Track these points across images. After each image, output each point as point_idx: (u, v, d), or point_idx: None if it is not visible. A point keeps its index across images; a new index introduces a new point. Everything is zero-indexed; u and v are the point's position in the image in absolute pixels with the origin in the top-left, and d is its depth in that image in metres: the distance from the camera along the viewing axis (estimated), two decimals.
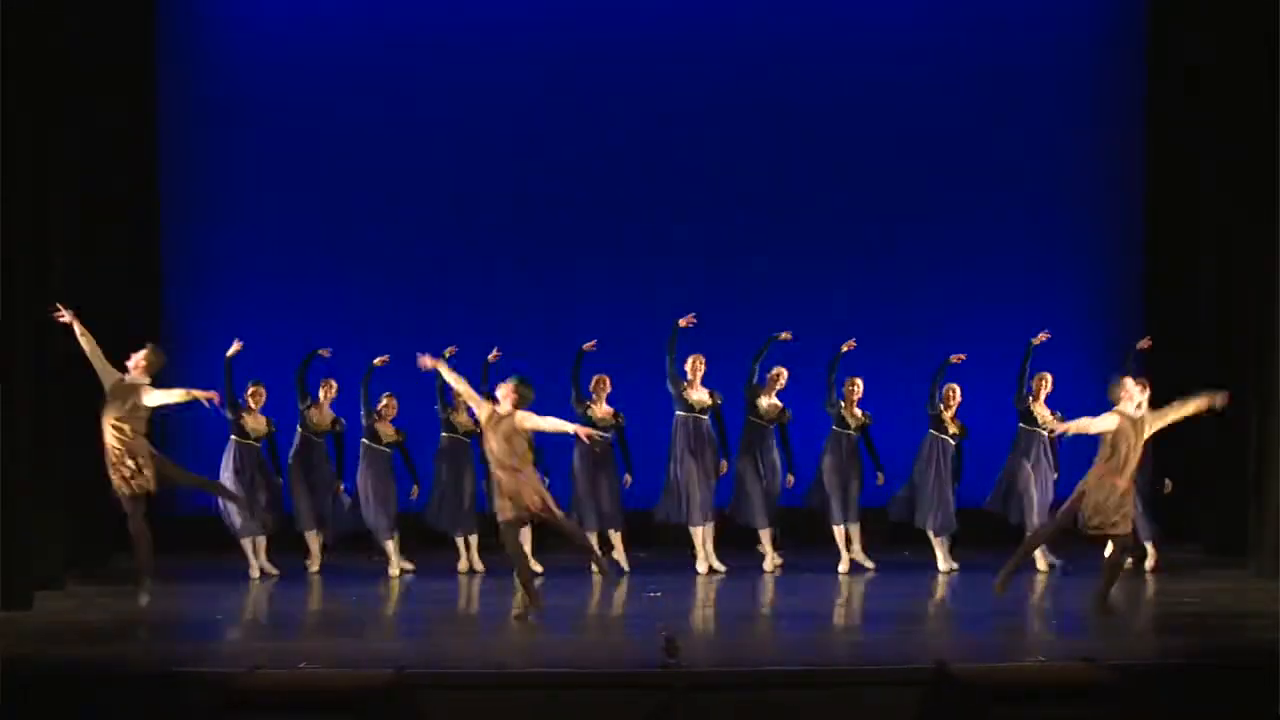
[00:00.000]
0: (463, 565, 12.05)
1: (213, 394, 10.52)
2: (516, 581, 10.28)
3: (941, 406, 11.95)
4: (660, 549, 12.51)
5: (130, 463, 10.28)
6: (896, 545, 12.28)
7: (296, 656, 8.64)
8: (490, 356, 12.03)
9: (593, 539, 11.99)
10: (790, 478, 12.08)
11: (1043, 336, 11.85)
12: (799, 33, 13.73)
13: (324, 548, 12.25)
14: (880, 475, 12.08)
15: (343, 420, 12.21)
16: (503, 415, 10.05)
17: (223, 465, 11.92)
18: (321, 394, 12.14)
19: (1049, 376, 11.95)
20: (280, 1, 13.80)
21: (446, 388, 11.73)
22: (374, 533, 12.09)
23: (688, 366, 11.94)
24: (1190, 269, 13.26)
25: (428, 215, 13.72)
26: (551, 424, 10.34)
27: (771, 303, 13.45)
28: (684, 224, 13.72)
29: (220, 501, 11.84)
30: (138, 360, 10.47)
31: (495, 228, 13.74)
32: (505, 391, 10.08)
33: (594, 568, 10.91)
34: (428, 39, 13.68)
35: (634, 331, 13.17)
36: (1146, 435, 10.15)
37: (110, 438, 10.33)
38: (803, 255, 13.71)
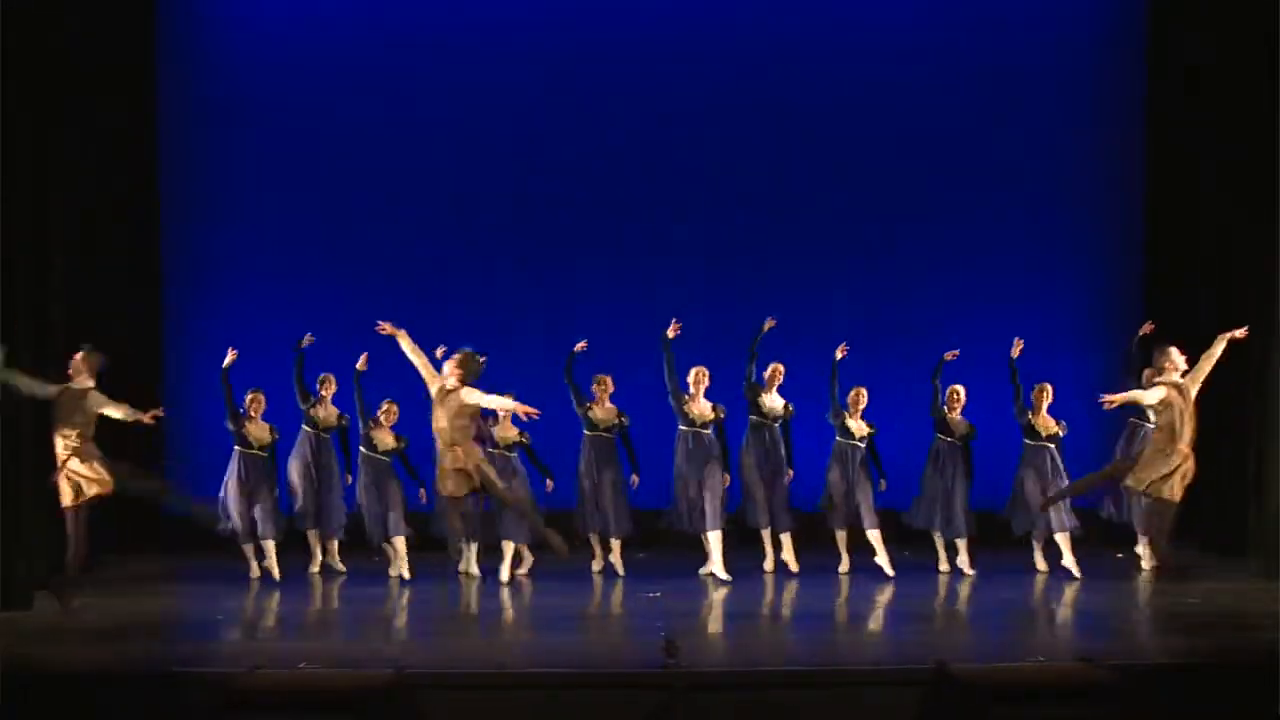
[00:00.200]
0: (461, 568, 11.98)
1: (156, 412, 10.49)
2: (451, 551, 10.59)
3: (945, 409, 11.90)
4: (660, 550, 12.51)
5: (82, 469, 10.25)
6: (897, 546, 12.24)
7: (296, 656, 8.64)
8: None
9: (594, 540, 12.01)
10: (789, 472, 11.96)
11: (1018, 346, 11.74)
12: (799, 33, 13.73)
13: (324, 550, 12.20)
14: (882, 482, 11.99)
15: (347, 415, 12.18)
16: (449, 390, 10.14)
17: (227, 474, 11.87)
18: (322, 391, 12.11)
19: (1049, 387, 11.84)
20: (280, 1, 13.80)
21: None
22: (369, 538, 12.04)
23: (690, 379, 11.77)
24: (1190, 269, 13.25)
25: (428, 215, 13.72)
26: (495, 401, 10.38)
27: (771, 303, 13.39)
28: (684, 224, 13.72)
29: (220, 502, 11.82)
30: (76, 364, 10.44)
31: (495, 228, 13.74)
32: (451, 366, 10.14)
33: (551, 543, 10.57)
34: (428, 39, 13.68)
35: (634, 331, 13.15)
36: (1193, 396, 10.41)
37: (60, 447, 10.32)
38: (803, 255, 13.71)
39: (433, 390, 10.31)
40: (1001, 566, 11.94)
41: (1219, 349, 10.62)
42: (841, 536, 11.99)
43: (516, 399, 10.38)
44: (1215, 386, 12.34)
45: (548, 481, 11.87)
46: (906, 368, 12.57)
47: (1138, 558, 12.07)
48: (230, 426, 11.78)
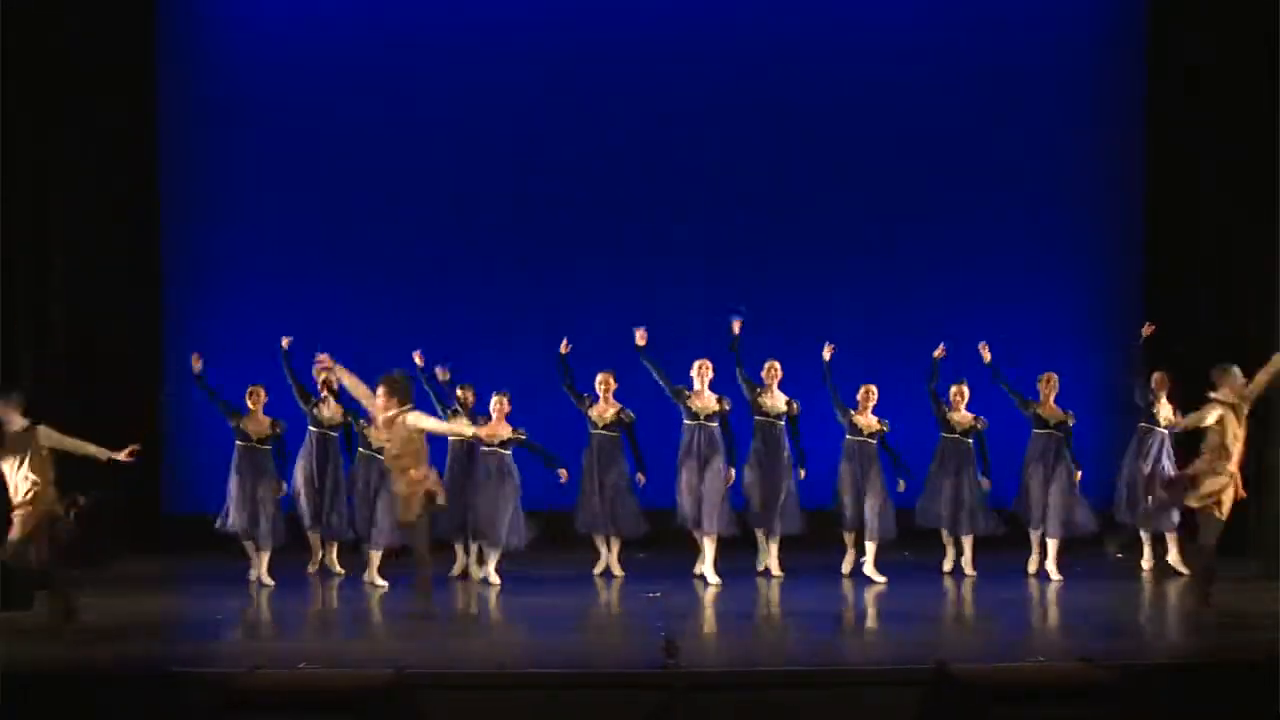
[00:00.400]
0: (457, 570, 11.94)
1: (134, 448, 10.20)
2: (417, 582, 10.21)
3: (948, 407, 11.86)
4: (660, 550, 12.50)
5: (45, 509, 9.99)
6: (897, 546, 12.23)
7: (296, 656, 8.64)
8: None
9: (599, 542, 11.93)
10: (801, 471, 11.84)
11: (985, 351, 11.70)
12: (799, 33, 13.73)
13: (324, 551, 12.13)
14: (901, 483, 11.86)
15: (354, 412, 12.01)
16: (392, 417, 10.01)
17: (230, 468, 11.81)
18: (323, 393, 11.99)
19: (1055, 377, 11.78)
20: (280, 1, 13.80)
21: (442, 393, 11.69)
22: (361, 544, 11.85)
23: (694, 373, 11.63)
24: (1190, 269, 13.26)
25: (428, 215, 13.72)
26: (445, 426, 10.31)
27: (771, 303, 13.43)
28: (684, 224, 13.72)
29: (226, 501, 11.72)
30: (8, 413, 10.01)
31: (495, 228, 13.74)
32: (382, 395, 9.97)
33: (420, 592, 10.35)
34: (428, 39, 13.68)
35: (634, 331, 13.18)
36: (1246, 411, 10.37)
37: (22, 493, 9.90)
38: (803, 255, 13.71)
39: (378, 420, 10.14)
40: (1001, 566, 11.93)
41: (1278, 364, 10.41)
42: (849, 537, 11.90)
43: (486, 416, 10.34)
44: (1214, 387, 12.37)
45: (561, 472, 11.56)
46: (906, 367, 12.55)
47: (1138, 559, 12.05)
48: (232, 423, 11.73)
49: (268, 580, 11.63)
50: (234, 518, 11.70)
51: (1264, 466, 11.70)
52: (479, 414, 11.56)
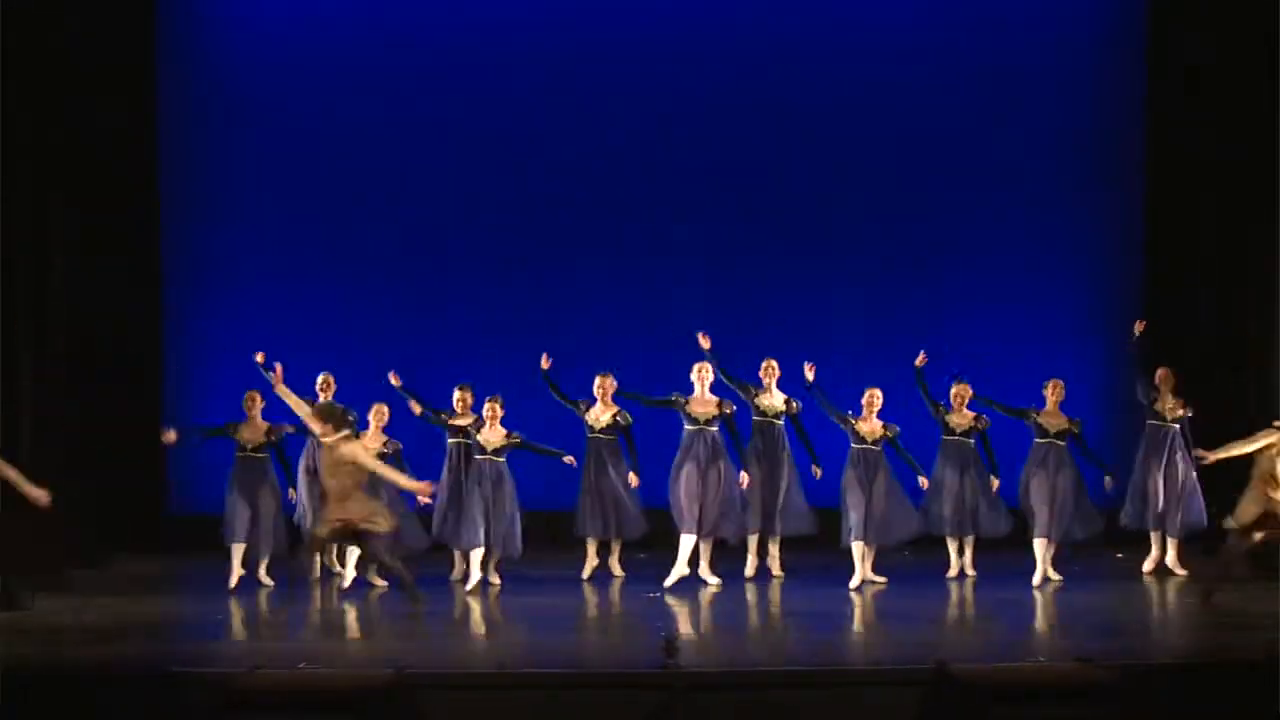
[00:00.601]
0: (457, 573, 11.88)
1: (42, 495, 10.05)
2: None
3: (946, 409, 11.78)
4: (659, 551, 12.48)
5: None
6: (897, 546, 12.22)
7: (296, 657, 8.64)
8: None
9: (590, 546, 11.89)
10: (816, 470, 11.66)
11: (921, 359, 11.62)
12: (799, 33, 13.73)
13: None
14: (922, 480, 11.61)
15: (354, 412, 11.91)
16: (332, 443, 9.99)
17: (228, 480, 11.73)
18: (321, 394, 11.93)
19: (1061, 383, 11.64)
20: (280, 1, 13.80)
21: (428, 401, 11.66)
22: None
23: (694, 377, 11.48)
24: (1190, 269, 13.26)
25: (428, 215, 13.72)
26: (380, 467, 10.21)
27: (771, 303, 13.46)
28: (684, 224, 13.71)
29: (228, 505, 11.66)
30: None
31: (495, 228, 13.73)
32: (315, 422, 10.00)
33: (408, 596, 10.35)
34: (428, 39, 13.68)
35: (634, 331, 13.19)
36: None
37: None
38: (802, 255, 13.70)
39: (320, 435, 10.11)
40: (1001, 566, 11.93)
41: None
42: (858, 549, 11.41)
43: (410, 476, 10.41)
44: (1215, 386, 12.39)
45: (567, 459, 11.44)
46: (906, 367, 12.51)
47: (1146, 562, 11.95)
48: (231, 435, 11.64)
49: (267, 580, 11.63)
50: (235, 531, 11.55)
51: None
52: (478, 414, 11.52)
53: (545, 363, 11.58)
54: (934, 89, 13.71)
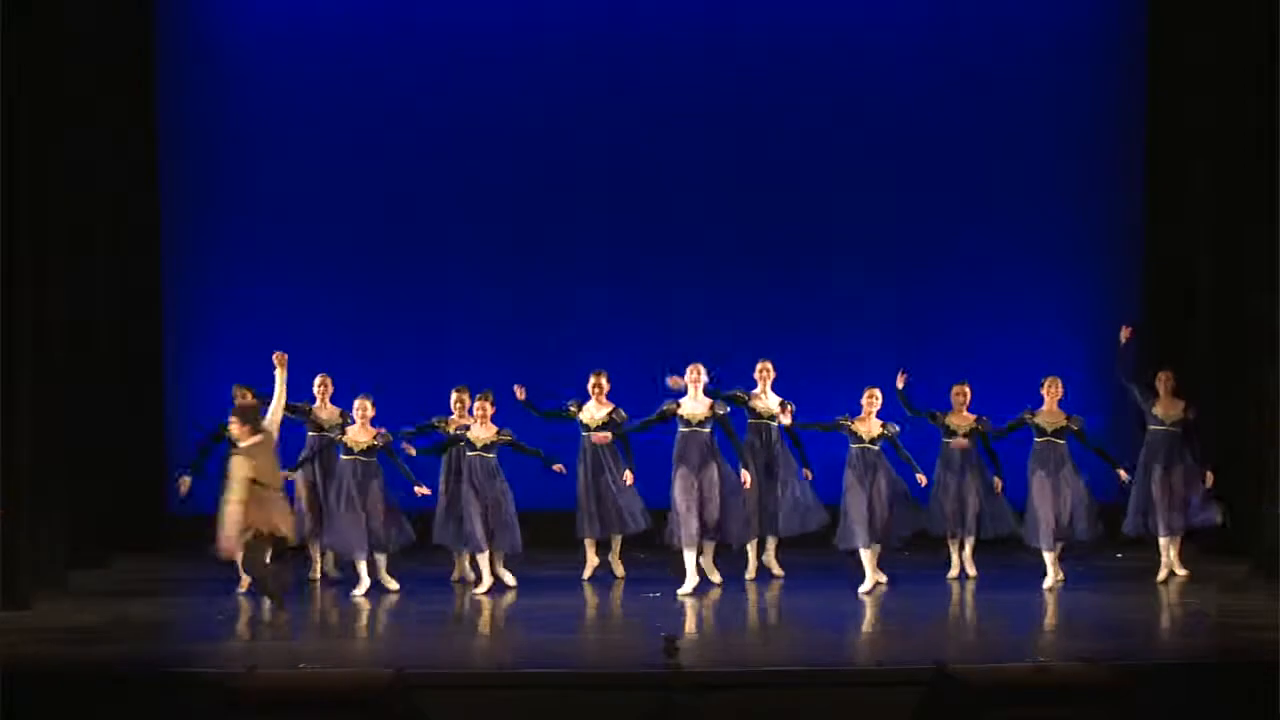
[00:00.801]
0: (456, 574, 11.85)
1: None
2: (266, 595, 10.07)
3: (943, 412, 11.75)
4: (659, 551, 12.48)
5: None
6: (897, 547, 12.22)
7: (296, 657, 8.64)
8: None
9: (589, 547, 11.88)
10: (808, 473, 11.66)
11: (901, 378, 11.58)
12: (799, 34, 13.73)
13: (323, 558, 12.00)
14: (921, 477, 11.52)
15: (349, 413, 11.85)
16: (256, 442, 9.89)
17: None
18: (319, 393, 11.86)
19: (1059, 381, 11.54)
20: (280, 1, 13.80)
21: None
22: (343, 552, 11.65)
23: (688, 378, 11.38)
24: (1190, 269, 13.25)
25: (427, 215, 13.71)
26: (238, 488, 9.76)
27: (771, 303, 13.46)
28: (684, 224, 13.71)
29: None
30: None
31: (495, 228, 13.73)
32: (235, 425, 9.92)
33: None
34: (428, 39, 13.68)
35: (633, 332, 13.18)
36: None
37: None
38: (802, 255, 13.70)
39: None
40: (1001, 566, 11.93)
41: None
42: (865, 555, 11.34)
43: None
44: (1215, 387, 12.38)
45: (557, 467, 11.41)
46: (906, 367, 12.55)
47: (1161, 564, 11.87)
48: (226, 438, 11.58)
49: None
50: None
51: (1264, 466, 11.67)
52: (474, 415, 11.47)
53: (520, 394, 11.60)
54: (934, 90, 13.71)
